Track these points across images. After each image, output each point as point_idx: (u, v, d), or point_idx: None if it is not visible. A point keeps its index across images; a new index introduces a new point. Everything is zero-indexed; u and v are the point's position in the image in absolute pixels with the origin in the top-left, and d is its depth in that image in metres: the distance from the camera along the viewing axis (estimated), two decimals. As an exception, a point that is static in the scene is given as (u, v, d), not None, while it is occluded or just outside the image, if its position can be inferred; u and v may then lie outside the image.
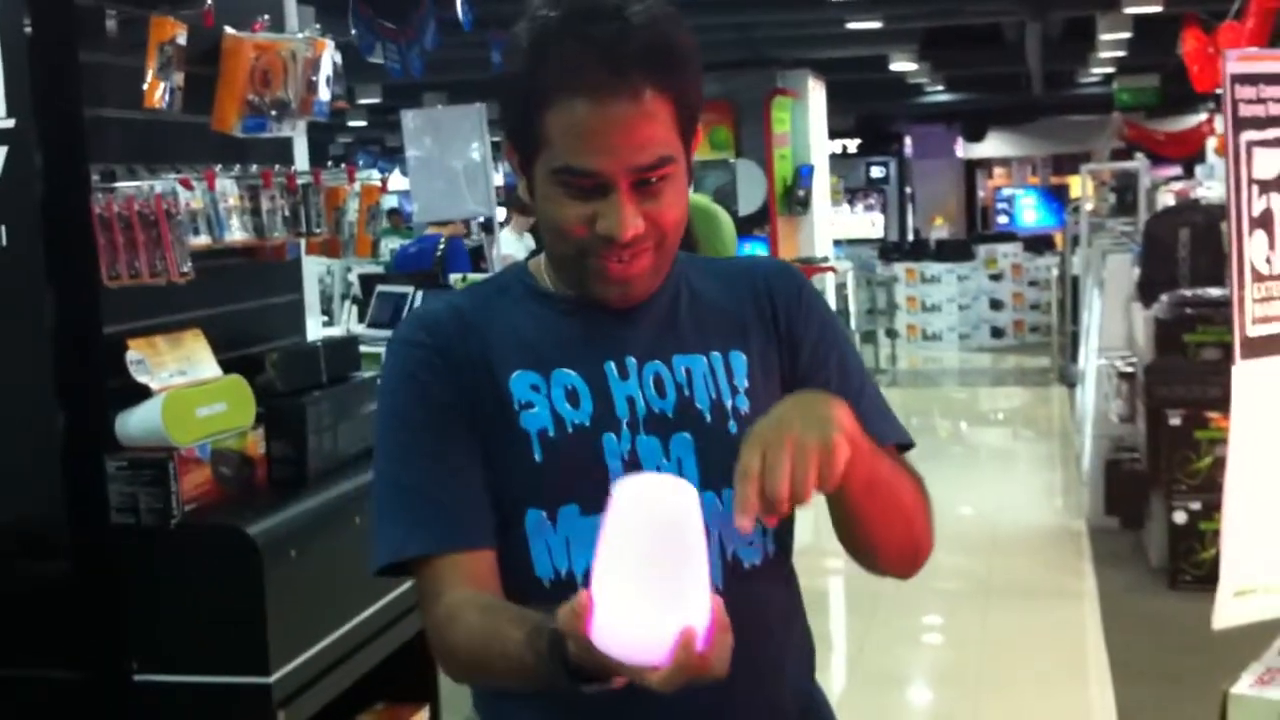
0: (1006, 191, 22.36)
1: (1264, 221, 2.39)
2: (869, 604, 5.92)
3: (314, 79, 3.05)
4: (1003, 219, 21.47)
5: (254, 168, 2.92)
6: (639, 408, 1.51)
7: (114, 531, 2.56)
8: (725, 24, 11.07)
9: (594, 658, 1.21)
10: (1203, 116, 16.88)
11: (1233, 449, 2.40)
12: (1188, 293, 6.21)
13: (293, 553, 2.60)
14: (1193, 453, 5.74)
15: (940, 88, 17.89)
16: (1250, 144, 2.38)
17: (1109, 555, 6.48)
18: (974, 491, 8.11)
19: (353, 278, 7.63)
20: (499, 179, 5.87)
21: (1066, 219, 13.78)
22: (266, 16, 2.95)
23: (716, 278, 1.62)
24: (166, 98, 2.68)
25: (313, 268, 3.74)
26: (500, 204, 6.57)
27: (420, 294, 4.85)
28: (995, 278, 14.82)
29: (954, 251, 15.50)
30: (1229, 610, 2.42)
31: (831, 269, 11.76)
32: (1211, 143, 14.26)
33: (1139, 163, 12.04)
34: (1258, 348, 2.39)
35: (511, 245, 7.02)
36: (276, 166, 3.00)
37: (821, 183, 12.99)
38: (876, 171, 22.24)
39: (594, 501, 1.47)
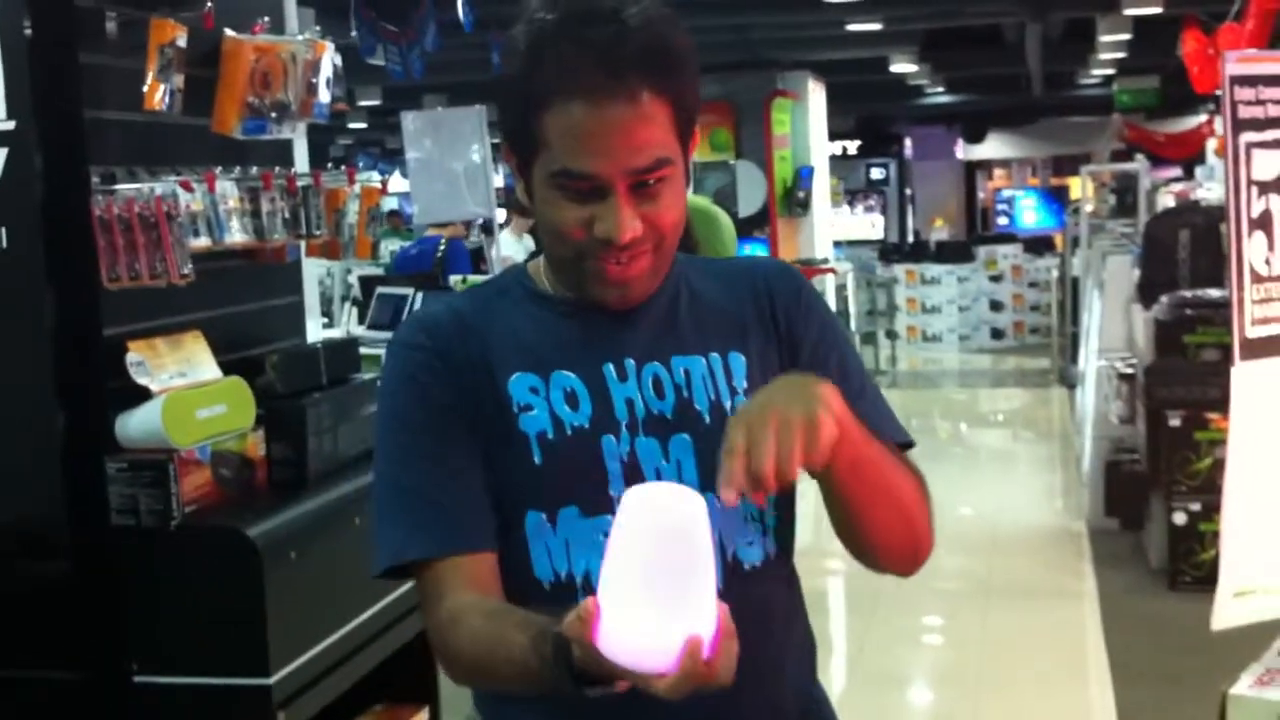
0: (1006, 193, 22.34)
1: (1263, 223, 2.39)
2: (869, 604, 5.92)
3: (314, 81, 3.05)
4: (1003, 220, 21.47)
5: (254, 170, 2.92)
6: (638, 409, 1.51)
7: (114, 533, 2.56)
8: (725, 25, 11.06)
9: (600, 664, 1.21)
10: (1203, 118, 16.87)
11: (1232, 450, 2.40)
12: (1187, 294, 6.21)
13: (293, 554, 2.60)
14: (1192, 454, 5.74)
15: (940, 89, 17.86)
16: (1249, 145, 2.38)
17: (1109, 556, 6.48)
18: (974, 492, 8.11)
19: (353, 279, 7.64)
20: (499, 181, 5.86)
21: (1066, 220, 13.77)
22: (266, 18, 2.95)
23: (716, 278, 1.62)
24: (166, 100, 2.68)
25: (313, 270, 3.74)
26: (500, 206, 6.56)
27: (420, 296, 4.85)
28: (995, 279, 14.81)
29: (954, 253, 15.50)
30: (1228, 611, 2.43)
31: (831, 270, 11.77)
32: (1211, 144, 14.22)
33: (1139, 164, 12.02)
34: (1257, 349, 2.39)
35: (511, 247, 7.01)
36: (276, 168, 3.00)
37: (821, 184, 13.00)
38: (876, 173, 22.22)
39: (593, 503, 1.47)
